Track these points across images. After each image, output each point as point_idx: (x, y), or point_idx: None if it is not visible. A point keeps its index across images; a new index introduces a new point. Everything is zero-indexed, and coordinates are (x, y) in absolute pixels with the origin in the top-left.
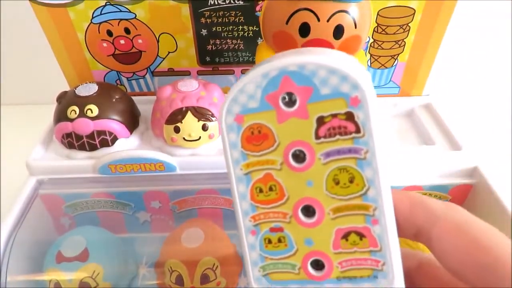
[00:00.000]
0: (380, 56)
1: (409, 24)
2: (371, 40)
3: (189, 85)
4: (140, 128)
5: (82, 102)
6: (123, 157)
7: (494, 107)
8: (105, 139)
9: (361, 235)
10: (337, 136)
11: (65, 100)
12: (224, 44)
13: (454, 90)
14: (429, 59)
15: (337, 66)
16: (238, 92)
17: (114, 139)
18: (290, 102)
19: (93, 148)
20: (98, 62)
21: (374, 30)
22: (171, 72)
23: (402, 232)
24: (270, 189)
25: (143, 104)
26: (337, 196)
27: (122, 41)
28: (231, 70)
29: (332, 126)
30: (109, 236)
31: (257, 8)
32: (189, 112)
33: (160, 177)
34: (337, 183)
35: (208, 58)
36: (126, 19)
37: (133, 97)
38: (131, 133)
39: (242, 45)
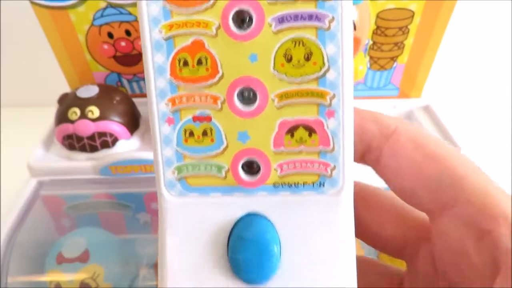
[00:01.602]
0: (379, 58)
1: (408, 27)
2: (371, 42)
3: None
4: (140, 130)
5: (83, 103)
6: (124, 158)
7: (493, 108)
8: (106, 141)
9: (310, 130)
10: None
11: (66, 102)
12: None
13: (453, 92)
14: (428, 61)
15: None
16: None
17: (115, 140)
18: None
19: (94, 149)
20: (99, 64)
21: (373, 32)
22: None
23: None
24: (199, 62)
25: (144, 106)
26: (287, 78)
27: (123, 43)
28: None
29: None
30: (109, 237)
31: None
32: None
33: None
34: (289, 59)
35: None
36: (127, 21)
37: (134, 99)
38: (131, 135)
39: None
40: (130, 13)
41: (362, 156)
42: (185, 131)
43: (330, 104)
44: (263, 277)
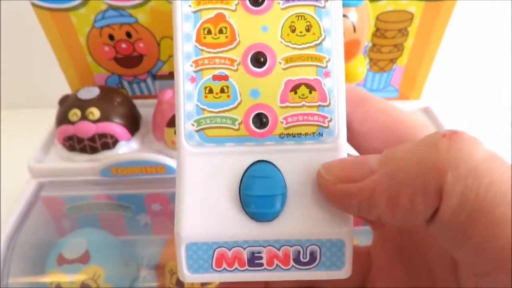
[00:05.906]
0: (379, 60)
1: (407, 28)
2: (370, 44)
3: None
4: (141, 131)
5: (84, 105)
6: (124, 159)
7: (492, 109)
8: (106, 142)
9: (311, 88)
10: None
11: (67, 103)
12: None
13: (452, 94)
14: (428, 63)
15: None
16: None
17: (115, 142)
18: None
19: (94, 151)
20: (99, 65)
21: (373, 34)
22: (172, 76)
23: None
24: (220, 31)
25: (144, 107)
26: (292, 45)
27: (123, 45)
28: None
29: None
30: (110, 238)
31: None
32: None
33: (161, 179)
34: (293, 30)
35: None
36: (128, 23)
37: (134, 100)
38: (132, 136)
39: None
40: (130, 15)
41: None
42: (205, 88)
43: (326, 66)
44: (270, 214)
